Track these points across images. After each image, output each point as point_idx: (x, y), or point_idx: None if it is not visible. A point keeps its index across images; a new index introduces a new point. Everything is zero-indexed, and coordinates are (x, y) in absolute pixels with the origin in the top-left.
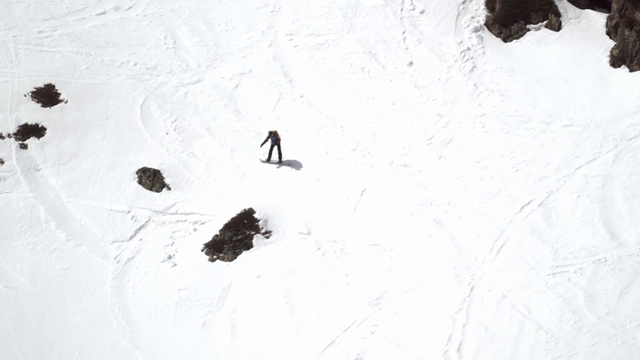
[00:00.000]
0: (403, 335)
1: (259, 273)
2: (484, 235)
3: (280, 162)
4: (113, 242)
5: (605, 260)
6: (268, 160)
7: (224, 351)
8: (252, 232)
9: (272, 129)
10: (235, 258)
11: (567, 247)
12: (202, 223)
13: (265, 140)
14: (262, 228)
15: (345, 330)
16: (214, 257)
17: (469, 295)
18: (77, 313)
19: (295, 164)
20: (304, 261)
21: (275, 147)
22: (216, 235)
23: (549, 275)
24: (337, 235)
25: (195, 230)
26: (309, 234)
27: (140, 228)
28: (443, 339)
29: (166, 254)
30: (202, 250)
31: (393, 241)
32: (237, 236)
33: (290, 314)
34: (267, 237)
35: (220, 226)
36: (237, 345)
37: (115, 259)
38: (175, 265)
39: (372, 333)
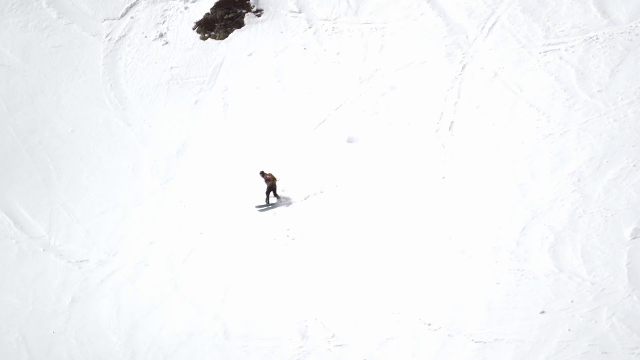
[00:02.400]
0: (395, 114)
1: (251, 51)
2: (476, 13)
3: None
4: (104, 20)
5: (597, 38)
6: (267, 204)
7: (216, 129)
8: (244, 11)
9: (267, 172)
10: (226, 36)
11: (558, 24)
12: (194, 1)
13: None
14: (254, 6)
15: (337, 108)
16: (206, 35)
17: (460, 74)
18: (69, 91)
19: None
20: (295, 40)
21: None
22: (207, 14)
23: (540, 53)
24: (329, 14)
25: (186, 8)
26: (300, 12)
27: (132, 6)
28: (435, 117)
29: (158, 32)
30: (194, 29)
31: (385, 19)
32: (228, 14)
33: (282, 92)
34: (259, 16)
35: (212, 4)
36: (229, 123)
37: (106, 37)
38: (166, 43)
39: (364, 111)
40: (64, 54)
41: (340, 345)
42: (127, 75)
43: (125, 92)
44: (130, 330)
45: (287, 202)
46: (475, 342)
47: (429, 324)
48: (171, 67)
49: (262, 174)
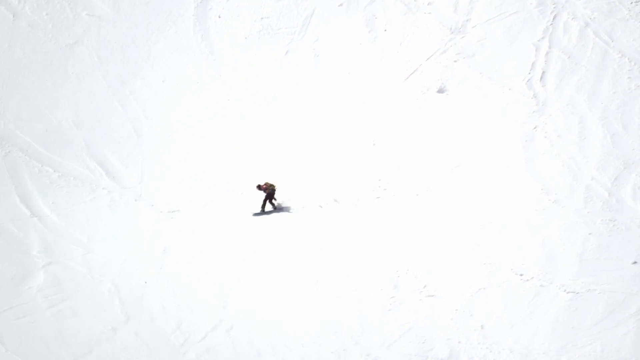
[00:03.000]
0: (486, 64)
1: (341, 1)
2: None
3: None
4: None
5: None
6: (262, 211)
7: (306, 79)
8: None
9: (263, 184)
10: None
11: None
12: None
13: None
14: None
15: (428, 58)
16: None
17: (551, 24)
18: (160, 41)
19: None
20: None
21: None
22: None
23: (632, 3)
24: None
25: None
26: None
27: None
28: (526, 67)
29: None
30: None
31: None
32: None
33: (373, 42)
34: None
35: None
36: (320, 73)
37: None
38: None
39: (455, 62)
40: (155, 4)
41: (432, 295)
42: (218, 25)
43: (215, 43)
44: (222, 280)
45: (285, 209)
46: (568, 292)
47: (521, 275)
48: (262, 18)
49: (259, 187)
